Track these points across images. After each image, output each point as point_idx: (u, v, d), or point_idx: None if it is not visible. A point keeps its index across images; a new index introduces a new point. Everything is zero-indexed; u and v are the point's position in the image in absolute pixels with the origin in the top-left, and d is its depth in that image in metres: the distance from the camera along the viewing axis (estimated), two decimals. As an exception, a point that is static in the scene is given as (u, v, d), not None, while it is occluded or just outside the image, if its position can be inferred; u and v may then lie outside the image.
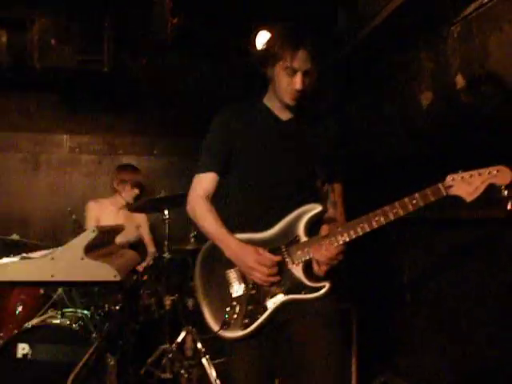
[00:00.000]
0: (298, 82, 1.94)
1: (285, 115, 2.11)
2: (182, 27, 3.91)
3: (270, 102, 2.13)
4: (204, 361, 3.57)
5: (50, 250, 2.05)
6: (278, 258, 1.94)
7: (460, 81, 2.35)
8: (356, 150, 3.66)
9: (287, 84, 1.97)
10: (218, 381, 3.43)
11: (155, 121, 4.96)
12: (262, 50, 2.08)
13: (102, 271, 1.91)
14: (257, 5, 3.61)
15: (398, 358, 3.94)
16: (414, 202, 1.81)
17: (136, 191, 4.30)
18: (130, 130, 4.98)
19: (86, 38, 4.06)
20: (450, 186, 1.78)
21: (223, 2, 3.72)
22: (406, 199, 1.84)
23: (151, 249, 4.45)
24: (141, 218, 4.46)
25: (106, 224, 3.90)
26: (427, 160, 3.17)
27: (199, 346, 3.64)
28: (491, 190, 2.53)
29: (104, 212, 4.22)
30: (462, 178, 1.77)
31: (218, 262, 2.03)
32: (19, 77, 4.39)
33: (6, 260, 1.95)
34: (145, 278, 3.74)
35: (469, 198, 1.78)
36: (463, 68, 2.33)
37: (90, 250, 1.96)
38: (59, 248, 1.92)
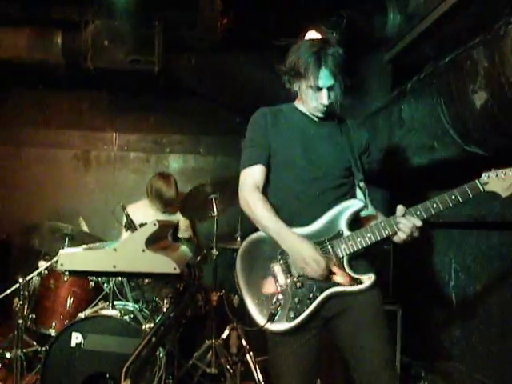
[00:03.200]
0: (324, 98, 2.08)
1: (316, 118, 2.21)
2: (231, 28, 3.96)
3: (301, 106, 2.23)
4: (248, 357, 3.61)
5: (112, 242, 2.12)
6: (332, 263, 1.98)
7: (518, 80, 2.31)
8: (405, 151, 3.64)
9: (314, 100, 2.10)
10: (261, 377, 3.46)
11: (202, 120, 5.04)
12: (286, 69, 2.16)
13: (163, 263, 1.96)
14: (306, 3, 3.63)
15: (441, 362, 3.89)
16: (453, 197, 1.93)
17: (166, 207, 4.20)
18: (177, 129, 5.08)
19: (137, 39, 4.17)
20: (486, 183, 1.91)
21: (273, 3, 3.75)
22: (446, 195, 1.94)
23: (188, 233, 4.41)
24: (180, 216, 4.40)
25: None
26: (479, 162, 3.12)
27: (244, 342, 3.68)
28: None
29: (142, 214, 4.12)
30: (497, 175, 1.90)
31: (261, 256, 2.06)
32: (72, 77, 4.52)
33: (70, 250, 2.03)
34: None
35: (504, 194, 1.91)
36: (521, 67, 2.29)
37: (150, 242, 2.01)
38: (121, 240, 2.00)
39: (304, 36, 3.75)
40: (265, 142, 2.14)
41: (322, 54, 2.05)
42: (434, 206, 1.94)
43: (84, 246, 2.15)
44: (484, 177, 1.92)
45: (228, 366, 3.59)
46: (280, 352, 2.08)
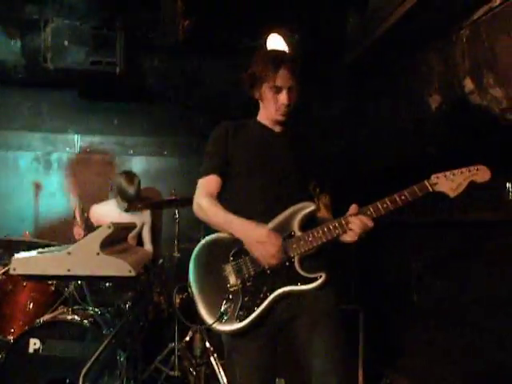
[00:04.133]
0: (284, 98, 2.14)
1: (277, 129, 2.27)
2: (193, 29, 3.95)
3: (262, 118, 2.29)
4: (212, 360, 3.60)
5: (66, 245, 2.09)
6: (283, 263, 2.00)
7: (468, 84, 2.38)
8: (365, 152, 3.70)
9: (275, 101, 2.16)
10: (225, 380, 3.46)
11: (165, 121, 5.01)
12: (248, 75, 2.23)
13: (117, 266, 1.95)
14: (268, 6, 3.65)
15: (404, 360, 3.96)
16: (403, 197, 1.97)
17: (124, 205, 4.28)
18: (140, 131, 5.03)
19: (98, 40, 4.12)
20: (435, 184, 1.95)
21: (235, 4, 3.76)
22: (396, 195, 1.98)
23: (148, 247, 4.49)
24: (145, 217, 4.49)
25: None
26: (436, 162, 3.19)
27: (207, 344, 3.67)
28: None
29: (107, 215, 4.21)
30: (446, 176, 1.95)
31: (214, 258, 2.08)
32: (32, 77, 4.44)
33: (23, 254, 2.00)
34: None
35: (452, 194, 1.95)
36: (472, 71, 2.37)
37: (106, 245, 1.99)
38: (75, 243, 1.97)
39: (267, 38, 3.79)
40: (222, 152, 2.20)
41: (281, 55, 2.20)
42: (384, 205, 1.98)
43: (39, 250, 2.12)
44: (433, 178, 1.96)
45: (191, 369, 3.57)
46: (235, 359, 2.08)
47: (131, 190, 4.18)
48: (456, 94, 2.51)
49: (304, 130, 2.36)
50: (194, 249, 3.71)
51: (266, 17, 3.77)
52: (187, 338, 3.71)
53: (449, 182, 1.94)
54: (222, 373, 3.50)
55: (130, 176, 4.26)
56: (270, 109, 2.20)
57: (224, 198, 2.20)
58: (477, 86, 2.34)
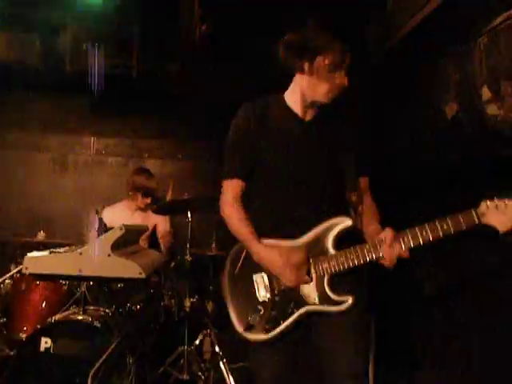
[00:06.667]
0: (344, 78, 1.89)
1: (308, 115, 2.04)
2: (210, 33, 3.97)
3: (291, 99, 2.04)
4: (221, 364, 3.59)
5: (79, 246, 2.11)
6: (313, 281, 1.95)
7: (486, 93, 2.35)
8: (381, 160, 3.67)
9: (329, 80, 1.89)
10: (234, 384, 3.45)
11: (180, 125, 5.04)
12: (301, 41, 1.91)
13: (128, 268, 1.96)
14: (286, 11, 3.64)
15: (416, 371, 3.90)
16: (445, 226, 1.76)
17: (147, 200, 4.31)
18: (155, 134, 5.08)
19: (115, 44, 4.18)
20: (483, 214, 1.73)
21: (252, 8, 3.77)
22: (437, 221, 1.78)
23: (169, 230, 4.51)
24: (158, 218, 4.47)
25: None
26: (452, 172, 3.16)
27: (217, 349, 3.67)
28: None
29: (118, 217, 4.21)
30: (497, 206, 1.71)
31: (247, 264, 2.04)
32: (51, 80, 4.52)
33: (35, 253, 2.01)
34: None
35: (502, 229, 1.71)
36: (489, 80, 2.34)
37: (117, 247, 2.01)
38: (87, 244, 1.98)
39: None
40: (245, 151, 2.03)
41: (347, 33, 1.96)
42: (424, 233, 1.79)
43: (51, 250, 2.14)
44: (482, 206, 1.73)
45: (200, 373, 3.56)
46: (259, 359, 2.08)
47: (152, 182, 4.28)
48: (473, 102, 2.48)
49: (337, 116, 2.07)
50: (205, 252, 3.76)
51: (284, 21, 3.77)
52: (197, 342, 3.71)
53: (499, 215, 1.70)
54: (231, 378, 3.49)
55: (146, 170, 4.38)
56: (319, 88, 1.91)
57: (251, 195, 2.11)
58: (494, 95, 2.31)
